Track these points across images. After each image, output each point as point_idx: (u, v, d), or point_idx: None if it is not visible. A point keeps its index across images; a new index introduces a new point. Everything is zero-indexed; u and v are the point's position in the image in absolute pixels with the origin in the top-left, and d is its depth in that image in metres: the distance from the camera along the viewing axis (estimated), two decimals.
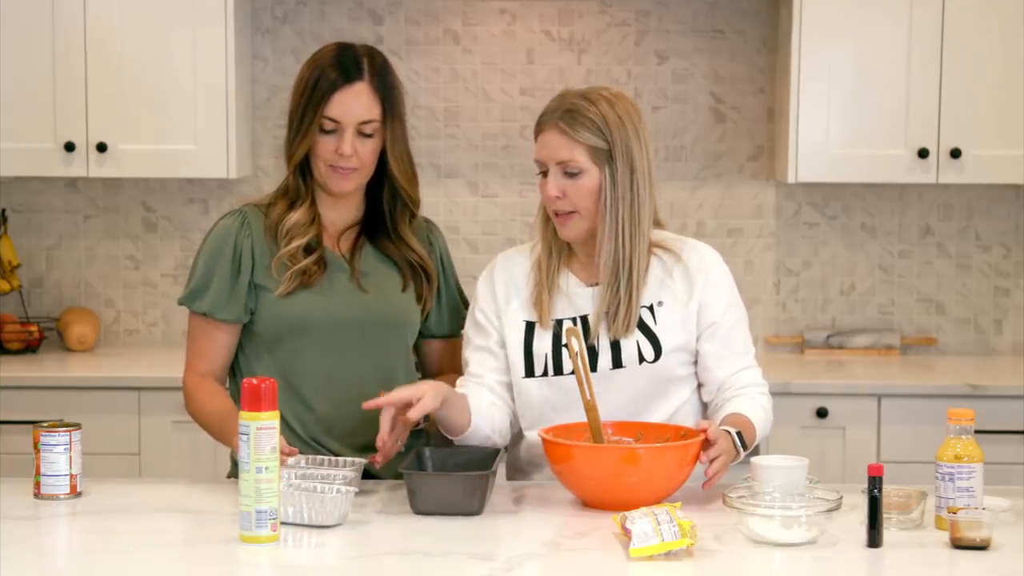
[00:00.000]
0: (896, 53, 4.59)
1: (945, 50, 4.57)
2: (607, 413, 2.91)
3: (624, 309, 2.94)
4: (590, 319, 2.97)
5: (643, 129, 2.94)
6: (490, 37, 4.95)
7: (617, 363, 2.95)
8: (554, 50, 4.95)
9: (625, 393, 2.96)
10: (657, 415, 2.98)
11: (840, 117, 4.62)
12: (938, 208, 4.97)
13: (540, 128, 2.95)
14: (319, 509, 2.64)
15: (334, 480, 2.78)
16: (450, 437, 2.96)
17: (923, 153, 4.59)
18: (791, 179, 4.64)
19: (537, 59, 4.96)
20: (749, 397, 2.99)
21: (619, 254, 2.93)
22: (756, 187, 4.98)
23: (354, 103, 2.98)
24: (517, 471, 3.10)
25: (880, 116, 4.61)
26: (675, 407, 3.00)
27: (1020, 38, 4.56)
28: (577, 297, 2.99)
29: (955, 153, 4.59)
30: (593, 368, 2.94)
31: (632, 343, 2.95)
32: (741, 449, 2.86)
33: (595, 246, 2.97)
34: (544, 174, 2.94)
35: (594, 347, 2.96)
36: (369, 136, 3.00)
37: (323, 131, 2.99)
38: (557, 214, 2.94)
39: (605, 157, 2.90)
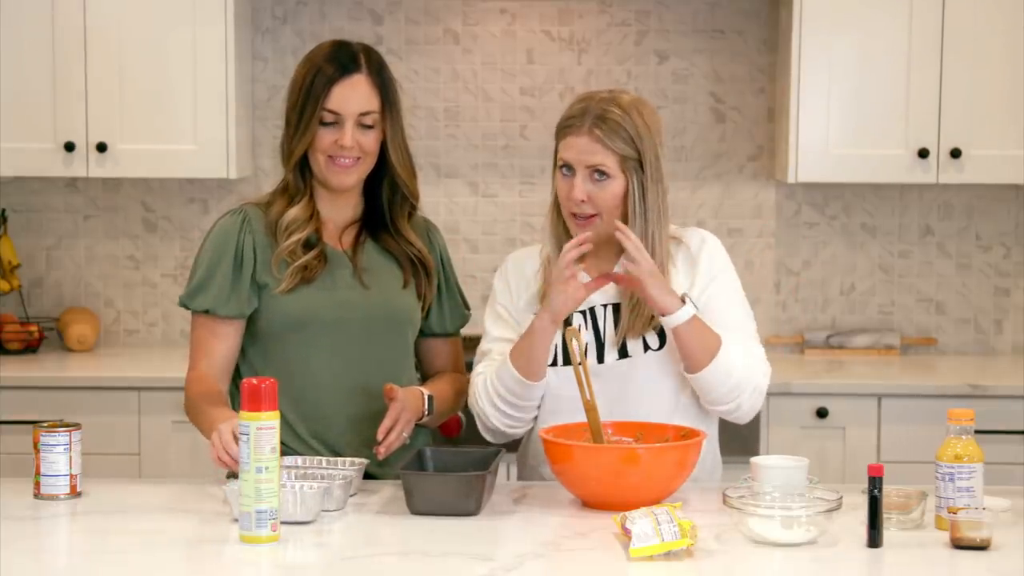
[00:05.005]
0: (896, 53, 4.59)
1: (945, 50, 4.57)
2: (614, 403, 2.93)
3: (652, 315, 2.95)
4: (596, 310, 2.99)
5: (663, 137, 2.99)
6: (490, 37, 4.95)
7: (623, 352, 2.97)
8: (554, 50, 4.95)
9: (632, 382, 2.97)
10: (664, 404, 2.98)
11: (840, 117, 4.61)
12: (938, 208, 4.97)
13: (570, 130, 2.95)
14: (283, 507, 2.62)
15: (334, 479, 2.78)
16: (526, 381, 2.93)
17: (923, 153, 4.59)
18: (791, 179, 4.64)
19: (537, 59, 4.96)
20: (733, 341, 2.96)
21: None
22: (756, 187, 4.98)
23: (353, 94, 3.00)
24: (528, 467, 3.11)
25: (880, 116, 4.61)
26: (680, 396, 3.00)
27: (1021, 38, 4.56)
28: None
29: (955, 153, 4.59)
30: (600, 359, 2.95)
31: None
32: (688, 300, 2.87)
33: (608, 240, 2.98)
34: (564, 170, 2.96)
35: (600, 338, 2.96)
36: (369, 128, 3.01)
37: (323, 124, 3.00)
38: (577, 216, 2.96)
39: (634, 166, 2.93)
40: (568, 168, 2.95)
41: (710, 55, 4.94)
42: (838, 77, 4.60)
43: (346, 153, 3.00)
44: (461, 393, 3.15)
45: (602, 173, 2.92)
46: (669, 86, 4.95)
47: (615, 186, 2.93)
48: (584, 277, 2.96)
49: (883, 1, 4.57)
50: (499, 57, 4.96)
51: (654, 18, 4.94)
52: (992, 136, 4.59)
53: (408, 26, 4.95)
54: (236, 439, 2.70)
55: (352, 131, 2.99)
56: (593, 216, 2.94)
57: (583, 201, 2.93)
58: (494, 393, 2.99)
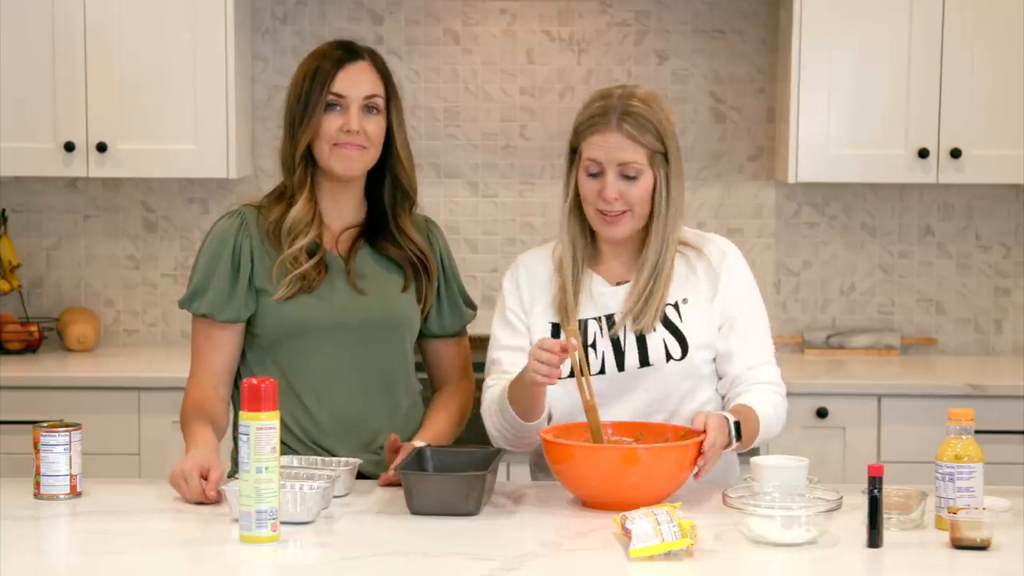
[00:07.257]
0: (896, 53, 4.59)
1: (945, 50, 4.57)
2: (634, 411, 2.94)
3: (654, 305, 2.95)
4: (616, 317, 2.98)
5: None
6: (490, 37, 4.95)
7: (644, 362, 2.96)
8: (554, 50, 4.95)
9: (653, 391, 2.97)
10: (684, 413, 2.98)
11: (840, 117, 4.61)
12: (938, 208, 4.97)
13: (596, 129, 2.92)
14: (283, 507, 2.62)
15: (316, 479, 2.77)
16: (525, 423, 2.91)
17: (923, 153, 4.59)
18: (791, 179, 4.64)
19: (537, 59, 4.96)
20: (763, 393, 2.99)
21: (659, 254, 2.96)
22: (756, 187, 4.98)
23: (359, 78, 3.02)
24: (540, 470, 3.11)
25: (880, 116, 4.61)
26: (700, 405, 3.00)
27: (1020, 39, 4.56)
28: (602, 297, 3.00)
29: (955, 153, 4.59)
30: (621, 367, 2.96)
31: (659, 341, 2.96)
32: (734, 438, 2.85)
33: (626, 245, 2.99)
34: (591, 169, 2.93)
35: (620, 345, 2.96)
36: (375, 113, 3.02)
37: (328, 109, 3.00)
38: (607, 214, 2.94)
39: (661, 160, 2.93)
40: (595, 167, 2.93)
41: (710, 55, 4.94)
42: (838, 77, 4.60)
43: (351, 139, 3.00)
44: (462, 420, 3.16)
45: (633, 172, 2.91)
46: (669, 86, 4.95)
47: (645, 182, 2.92)
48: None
49: (883, 2, 4.57)
50: (499, 57, 4.96)
51: (654, 18, 4.94)
52: (992, 136, 4.59)
53: (408, 26, 4.95)
54: (204, 475, 2.83)
55: (357, 115, 3.00)
56: (624, 212, 2.94)
57: (616, 199, 2.92)
58: (499, 423, 2.97)
